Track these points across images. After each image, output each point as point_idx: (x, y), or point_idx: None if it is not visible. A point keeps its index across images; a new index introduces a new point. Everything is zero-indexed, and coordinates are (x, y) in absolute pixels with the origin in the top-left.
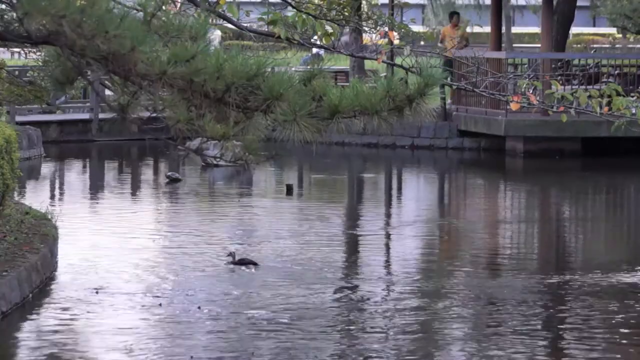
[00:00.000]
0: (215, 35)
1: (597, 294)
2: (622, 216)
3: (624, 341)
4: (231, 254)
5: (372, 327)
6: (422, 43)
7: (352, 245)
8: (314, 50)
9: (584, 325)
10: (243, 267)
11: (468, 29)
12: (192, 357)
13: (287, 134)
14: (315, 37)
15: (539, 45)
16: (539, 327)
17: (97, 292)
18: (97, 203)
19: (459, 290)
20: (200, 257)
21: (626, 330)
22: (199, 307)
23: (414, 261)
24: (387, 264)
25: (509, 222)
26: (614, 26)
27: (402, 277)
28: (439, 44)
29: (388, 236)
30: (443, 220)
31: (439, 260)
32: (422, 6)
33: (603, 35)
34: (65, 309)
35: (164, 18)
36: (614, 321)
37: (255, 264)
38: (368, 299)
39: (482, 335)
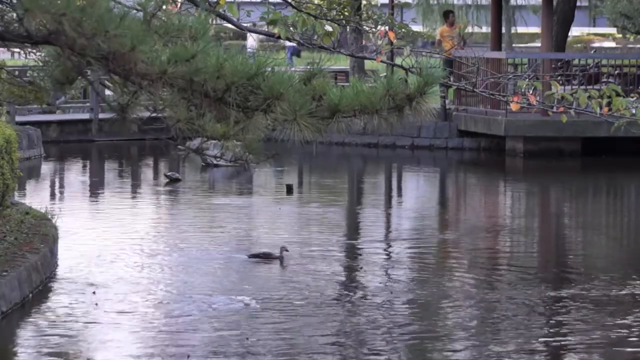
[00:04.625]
0: (250, 40)
1: (600, 302)
2: (623, 218)
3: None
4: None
5: (368, 335)
6: (419, 44)
7: (351, 247)
8: (288, 44)
9: (585, 333)
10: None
11: (468, 29)
12: (188, 356)
13: (287, 134)
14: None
15: (539, 45)
16: (540, 336)
17: (94, 293)
18: (97, 203)
19: (458, 297)
20: (199, 257)
21: (629, 341)
22: (194, 301)
23: (414, 263)
24: (386, 266)
25: (510, 223)
26: (614, 26)
27: (402, 279)
28: (437, 46)
29: (387, 238)
30: (443, 222)
31: (438, 264)
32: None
33: (603, 35)
34: (65, 309)
35: (164, 18)
36: (617, 332)
37: (275, 257)
38: (365, 304)
39: (483, 341)
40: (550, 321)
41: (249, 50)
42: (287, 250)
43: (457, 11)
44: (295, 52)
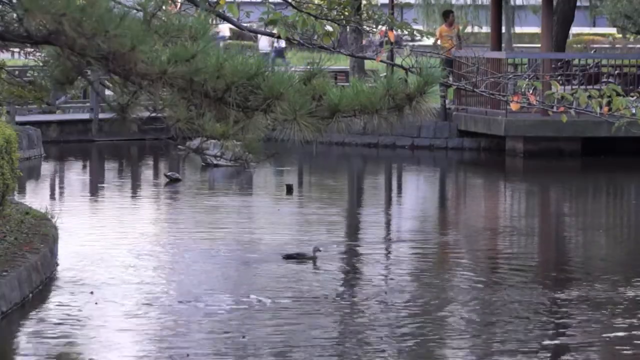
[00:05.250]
0: (268, 42)
1: (601, 304)
2: (623, 218)
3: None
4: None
5: (367, 336)
6: (418, 37)
7: (351, 247)
8: (276, 44)
9: (586, 335)
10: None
11: (468, 29)
12: (188, 354)
13: (287, 134)
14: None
15: (539, 45)
16: (541, 338)
17: (92, 293)
18: (97, 203)
19: (459, 298)
20: (199, 257)
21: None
22: (192, 302)
23: (414, 264)
24: (386, 266)
25: (510, 224)
26: (614, 26)
27: (402, 279)
28: (437, 43)
29: (387, 238)
30: (443, 222)
31: (439, 265)
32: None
33: (603, 35)
34: (65, 309)
35: (164, 18)
36: (618, 334)
37: (309, 258)
38: (364, 304)
39: (483, 342)
40: (551, 323)
41: (260, 51)
42: (319, 250)
43: (456, 11)
44: (279, 53)
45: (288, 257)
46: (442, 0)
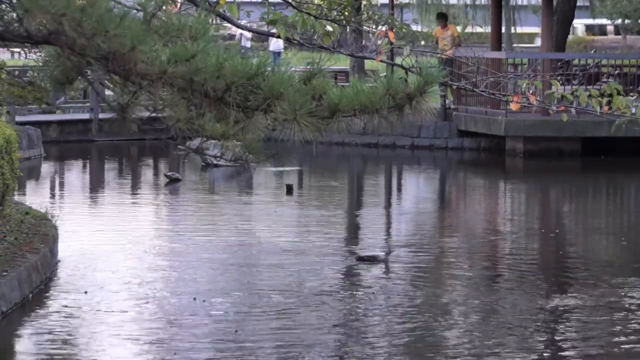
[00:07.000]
0: (280, 43)
1: (601, 306)
2: (623, 218)
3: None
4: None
5: (363, 341)
6: (422, 43)
7: (350, 248)
8: (237, 37)
9: (586, 339)
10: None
11: (468, 29)
12: (175, 353)
13: (287, 134)
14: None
15: (539, 45)
16: (541, 342)
17: (85, 293)
18: (97, 203)
19: (458, 302)
20: (199, 257)
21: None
22: (194, 298)
23: (413, 265)
24: (385, 268)
25: (510, 225)
26: (614, 26)
27: (401, 281)
28: (433, 45)
29: (387, 240)
30: (442, 223)
31: (438, 267)
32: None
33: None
34: (64, 309)
35: (164, 18)
36: (619, 336)
37: (381, 260)
38: (362, 307)
39: (482, 346)
40: (551, 327)
41: (271, 50)
42: (392, 252)
43: (455, 11)
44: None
45: (360, 259)
46: (442, 0)
